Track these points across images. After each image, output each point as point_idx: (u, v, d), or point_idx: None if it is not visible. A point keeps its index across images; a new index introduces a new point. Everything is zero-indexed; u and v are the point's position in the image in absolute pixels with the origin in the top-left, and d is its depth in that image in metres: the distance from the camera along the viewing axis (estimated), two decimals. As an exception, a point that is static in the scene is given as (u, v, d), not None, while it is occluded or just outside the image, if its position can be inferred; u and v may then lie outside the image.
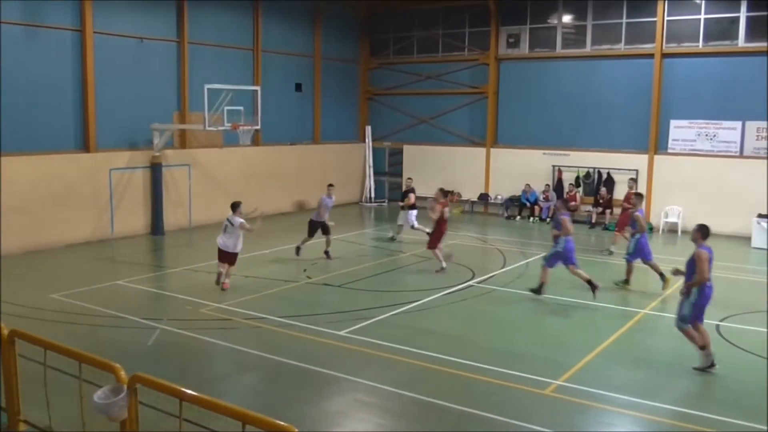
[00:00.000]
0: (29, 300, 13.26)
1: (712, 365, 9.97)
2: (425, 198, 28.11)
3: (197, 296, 13.88)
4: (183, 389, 5.21)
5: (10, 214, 17.55)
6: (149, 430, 6.38)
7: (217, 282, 14.52)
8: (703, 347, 10.01)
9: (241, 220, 14.30)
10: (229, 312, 12.85)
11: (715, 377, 10.01)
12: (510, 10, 26.39)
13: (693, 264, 10.01)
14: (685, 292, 10.10)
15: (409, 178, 21.81)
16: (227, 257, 14.43)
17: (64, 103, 19.30)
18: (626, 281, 15.18)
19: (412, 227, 20.29)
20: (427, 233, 18.00)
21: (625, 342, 11.63)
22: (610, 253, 18.77)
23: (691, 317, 10.07)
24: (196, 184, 22.51)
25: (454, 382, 9.56)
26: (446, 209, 16.61)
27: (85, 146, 19.80)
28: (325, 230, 17.68)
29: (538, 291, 14.11)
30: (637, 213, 15.24)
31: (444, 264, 16.38)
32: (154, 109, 21.40)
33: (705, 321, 12.61)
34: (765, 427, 8.13)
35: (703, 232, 10.26)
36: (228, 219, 14.47)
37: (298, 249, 17.71)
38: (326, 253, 17.62)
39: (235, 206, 14.55)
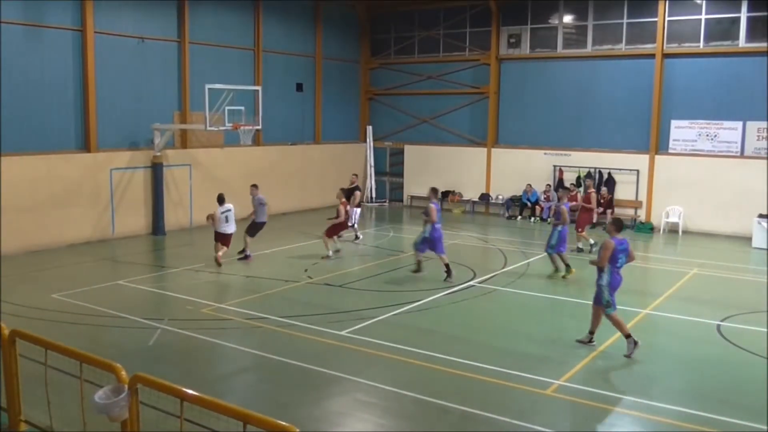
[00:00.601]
0: (30, 300, 13.27)
1: (591, 342, 11.07)
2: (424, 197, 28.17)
3: (198, 296, 13.88)
4: (184, 389, 5.22)
5: (11, 214, 17.57)
6: (150, 431, 6.39)
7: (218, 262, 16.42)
8: (629, 335, 10.70)
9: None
10: (230, 312, 12.85)
11: (715, 377, 10.01)
12: (511, 11, 26.38)
13: (600, 252, 11.03)
14: (599, 278, 10.94)
15: (354, 175, 21.44)
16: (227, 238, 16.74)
17: (65, 103, 19.31)
18: (557, 270, 16.20)
19: (352, 226, 20.22)
20: (332, 220, 18.74)
21: (626, 342, 11.59)
22: (580, 250, 19.07)
23: (613, 300, 10.78)
24: (197, 184, 22.52)
25: (455, 382, 9.56)
26: (349, 208, 18.63)
27: (85, 146, 19.80)
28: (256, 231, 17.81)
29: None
30: (563, 207, 16.26)
31: (330, 253, 17.68)
32: (155, 108, 21.42)
33: (705, 320, 12.72)
34: (765, 427, 8.12)
35: (616, 225, 11.14)
36: (224, 211, 16.55)
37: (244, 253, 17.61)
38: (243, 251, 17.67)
39: (221, 198, 16.84)
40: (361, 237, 20.60)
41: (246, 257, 17.43)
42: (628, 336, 10.64)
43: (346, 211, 18.36)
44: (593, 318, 11.08)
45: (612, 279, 10.76)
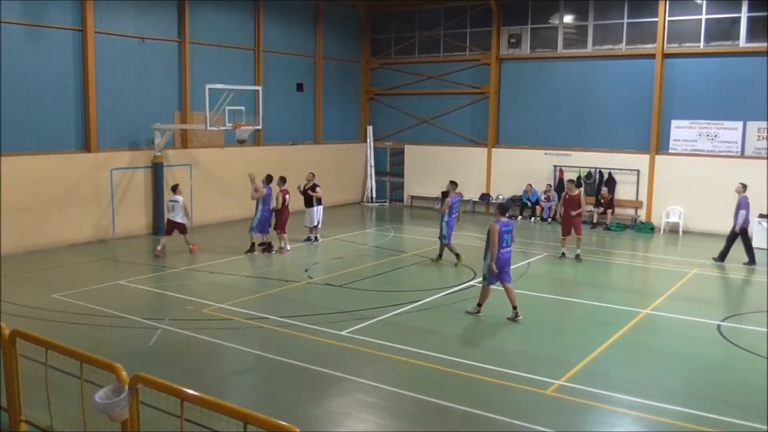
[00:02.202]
0: (30, 300, 13.27)
1: (472, 312, 12.71)
2: (429, 198, 28.23)
3: (199, 296, 13.89)
4: (184, 389, 5.22)
5: (11, 214, 17.58)
6: (150, 431, 6.39)
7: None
8: (481, 304, 12.67)
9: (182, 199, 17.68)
10: (230, 312, 12.85)
11: (715, 377, 10.01)
12: (511, 11, 26.39)
13: (488, 235, 12.25)
14: (484, 257, 12.52)
15: (312, 173, 21.18)
16: (177, 226, 17.77)
17: (65, 103, 19.31)
18: (440, 257, 17.50)
19: (316, 225, 20.08)
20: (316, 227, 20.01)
21: (627, 342, 11.62)
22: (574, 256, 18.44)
23: (490, 278, 12.37)
24: (198, 184, 22.52)
25: (456, 382, 9.56)
26: (287, 197, 18.48)
27: (86, 146, 19.81)
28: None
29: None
30: (449, 199, 17.20)
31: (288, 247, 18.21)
32: (155, 108, 21.43)
33: (705, 320, 12.73)
34: (765, 427, 8.12)
35: (501, 209, 12.56)
36: (171, 200, 17.72)
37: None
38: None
39: (175, 188, 17.87)
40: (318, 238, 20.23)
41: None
42: (479, 305, 12.67)
43: (284, 199, 18.31)
44: (484, 296, 12.71)
45: (498, 259, 12.19)
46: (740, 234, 17.75)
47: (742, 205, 17.69)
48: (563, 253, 18.34)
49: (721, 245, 18.35)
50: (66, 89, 19.29)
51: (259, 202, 18.02)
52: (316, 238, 20.07)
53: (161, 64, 21.69)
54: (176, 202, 17.77)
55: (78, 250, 18.55)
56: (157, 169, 21.03)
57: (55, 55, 18.96)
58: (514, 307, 12.43)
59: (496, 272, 12.30)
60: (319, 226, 20.21)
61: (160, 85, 21.72)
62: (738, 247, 17.72)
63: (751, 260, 17.60)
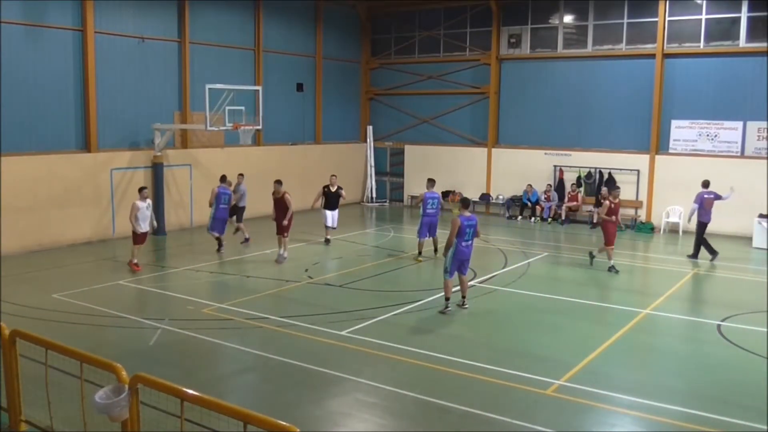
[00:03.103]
0: (30, 300, 13.28)
1: (445, 311, 12.83)
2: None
3: (199, 296, 13.89)
4: (184, 389, 5.22)
5: (11, 214, 17.58)
6: (150, 430, 6.39)
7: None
8: (448, 298, 12.90)
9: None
10: (230, 312, 12.86)
11: (715, 377, 10.01)
12: (511, 11, 26.39)
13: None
14: (445, 251, 12.86)
15: (333, 176, 21.15)
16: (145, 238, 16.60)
17: (66, 103, 19.32)
18: (435, 251, 17.75)
19: (333, 227, 20.11)
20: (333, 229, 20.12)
21: (627, 342, 11.62)
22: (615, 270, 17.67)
23: (451, 269, 12.74)
24: (198, 184, 22.52)
25: (456, 382, 9.56)
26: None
27: (86, 146, 19.81)
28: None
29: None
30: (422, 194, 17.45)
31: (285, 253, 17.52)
32: (155, 108, 21.43)
33: (705, 320, 12.74)
34: (765, 427, 8.12)
35: (463, 203, 13.14)
36: (144, 207, 16.30)
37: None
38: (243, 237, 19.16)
39: (141, 189, 16.74)
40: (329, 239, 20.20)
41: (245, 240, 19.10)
42: (447, 299, 12.91)
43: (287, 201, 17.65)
44: (447, 288, 12.94)
45: (457, 251, 12.60)
46: (697, 228, 18.33)
47: (696, 199, 18.30)
48: (612, 266, 16.73)
49: (721, 245, 18.35)
50: (66, 89, 19.29)
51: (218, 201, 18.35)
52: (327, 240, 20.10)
53: (161, 64, 21.69)
54: (147, 208, 16.40)
55: (78, 250, 18.55)
56: (157, 169, 21.03)
57: (55, 55, 18.96)
58: (463, 297, 13.23)
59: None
60: (335, 225, 20.26)
61: (160, 85, 21.72)
62: (738, 247, 17.73)
63: (709, 253, 18.12)
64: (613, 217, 16.84)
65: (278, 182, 17.67)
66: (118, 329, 11.85)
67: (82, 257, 17.79)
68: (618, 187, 18.82)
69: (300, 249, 18.98)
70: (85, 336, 11.28)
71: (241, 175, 20.04)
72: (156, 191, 21.05)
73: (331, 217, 19.96)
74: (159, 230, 20.98)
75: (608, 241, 16.83)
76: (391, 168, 30.21)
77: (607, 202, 17.02)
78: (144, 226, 16.29)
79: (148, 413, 6.11)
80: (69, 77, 19.32)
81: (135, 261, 16.31)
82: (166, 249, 19.47)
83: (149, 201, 16.63)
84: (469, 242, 12.81)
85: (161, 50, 21.63)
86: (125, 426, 5.57)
